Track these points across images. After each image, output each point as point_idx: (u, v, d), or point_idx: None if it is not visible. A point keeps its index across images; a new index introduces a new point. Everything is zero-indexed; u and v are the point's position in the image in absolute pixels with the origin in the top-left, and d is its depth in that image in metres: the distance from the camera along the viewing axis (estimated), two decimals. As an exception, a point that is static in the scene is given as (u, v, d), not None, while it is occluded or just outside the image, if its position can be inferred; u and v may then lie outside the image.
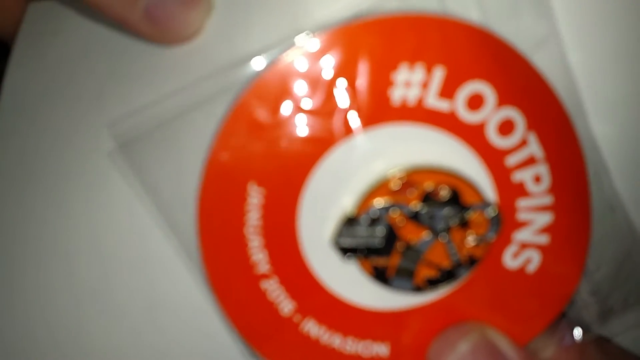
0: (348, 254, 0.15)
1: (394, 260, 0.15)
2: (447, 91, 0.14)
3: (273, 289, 0.15)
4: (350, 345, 0.16)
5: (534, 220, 0.15)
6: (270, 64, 0.14)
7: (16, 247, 0.16)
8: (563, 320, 0.17)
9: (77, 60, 0.16)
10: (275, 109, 0.14)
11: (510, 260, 0.15)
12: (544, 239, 0.15)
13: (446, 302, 0.16)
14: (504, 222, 0.15)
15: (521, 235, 0.15)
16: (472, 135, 0.14)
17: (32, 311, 0.15)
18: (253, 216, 0.14)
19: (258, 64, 0.14)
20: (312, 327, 0.15)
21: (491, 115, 0.14)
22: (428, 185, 0.14)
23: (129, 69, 0.15)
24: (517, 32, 0.14)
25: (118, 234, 0.15)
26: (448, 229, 0.15)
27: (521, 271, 0.16)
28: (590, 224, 0.16)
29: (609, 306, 0.17)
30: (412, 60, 0.14)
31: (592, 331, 0.17)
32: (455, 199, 0.14)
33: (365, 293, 0.15)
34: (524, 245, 0.15)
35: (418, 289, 0.15)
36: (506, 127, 0.14)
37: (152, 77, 0.15)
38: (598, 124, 0.15)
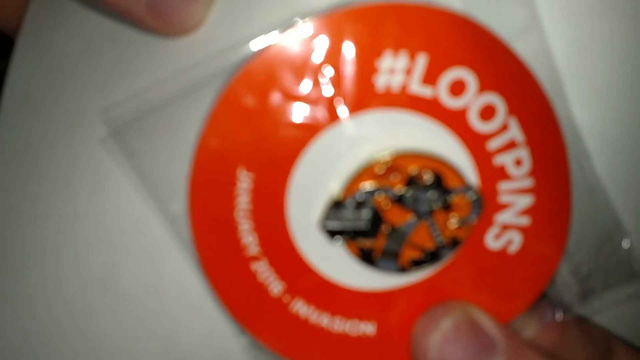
0: (335, 236, 0.15)
1: (380, 242, 0.15)
2: (430, 77, 0.14)
3: (263, 270, 0.15)
4: (338, 324, 0.16)
5: (515, 203, 0.16)
6: (259, 51, 0.14)
7: (22, 235, 0.16)
8: (544, 299, 0.17)
9: (80, 52, 0.16)
10: (264, 95, 0.14)
11: (492, 241, 0.16)
12: (525, 221, 0.16)
13: (430, 282, 0.16)
14: (485, 205, 0.15)
15: (502, 217, 0.16)
16: (455, 121, 0.15)
17: (38, 299, 0.16)
18: (243, 200, 0.15)
19: (246, 50, 0.14)
20: (301, 307, 0.16)
21: (473, 100, 0.15)
22: (412, 169, 0.15)
23: (131, 61, 0.15)
24: (499, 19, 0.15)
25: (123, 220, 0.15)
26: (431, 212, 0.15)
27: (503, 252, 0.16)
28: (570, 206, 0.16)
29: (589, 286, 0.17)
30: (396, 47, 0.14)
31: (573, 310, 0.17)
32: (438, 183, 0.15)
33: (352, 274, 0.16)
34: (506, 227, 0.16)
35: (403, 269, 0.16)
36: (487, 112, 0.15)
37: (154, 68, 0.15)
38: (579, 109, 0.16)
